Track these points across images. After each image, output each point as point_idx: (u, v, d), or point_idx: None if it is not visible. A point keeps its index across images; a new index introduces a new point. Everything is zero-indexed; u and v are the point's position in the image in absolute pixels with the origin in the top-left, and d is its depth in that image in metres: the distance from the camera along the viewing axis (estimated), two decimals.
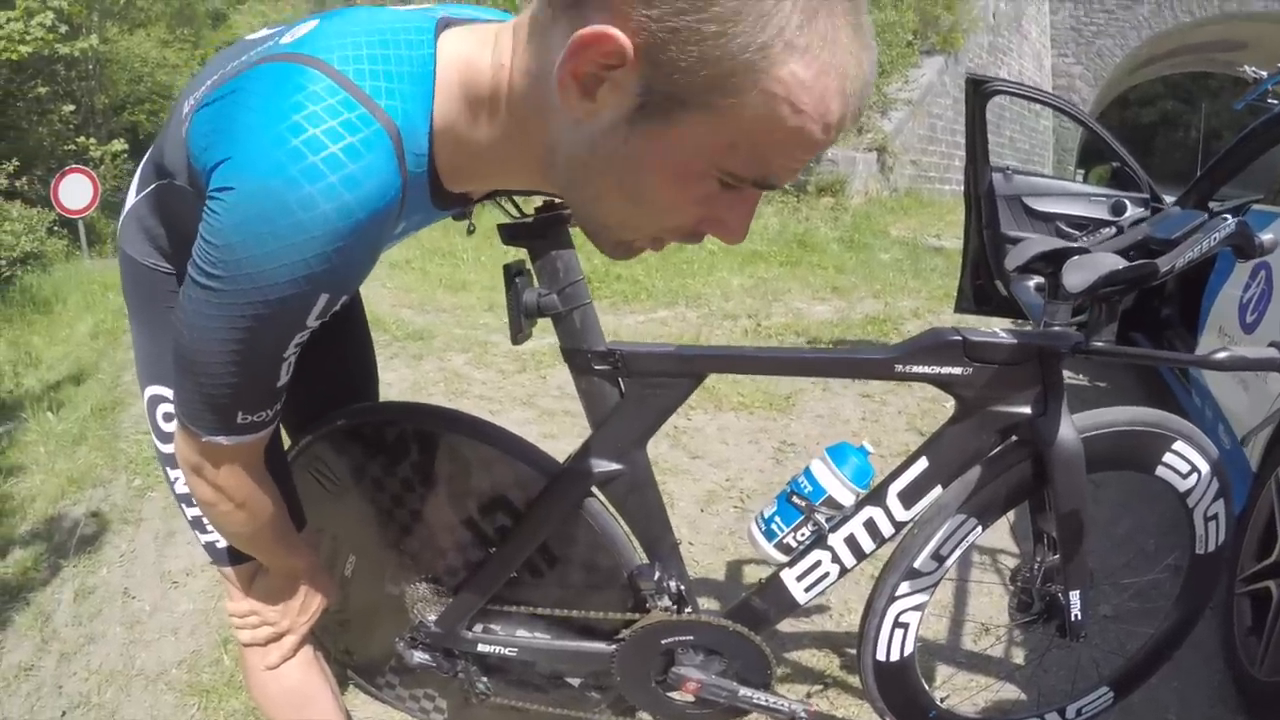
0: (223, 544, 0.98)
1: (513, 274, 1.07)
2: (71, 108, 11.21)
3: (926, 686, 1.37)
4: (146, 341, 0.93)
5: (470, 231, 0.97)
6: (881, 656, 1.29)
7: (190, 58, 16.98)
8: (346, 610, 1.34)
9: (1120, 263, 1.08)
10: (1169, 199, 3.71)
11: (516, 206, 1.04)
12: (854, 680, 1.70)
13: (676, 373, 1.12)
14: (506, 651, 1.25)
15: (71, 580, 2.16)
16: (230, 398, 0.72)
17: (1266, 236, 1.09)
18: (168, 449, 0.93)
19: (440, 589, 1.26)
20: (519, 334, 1.08)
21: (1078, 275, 1.08)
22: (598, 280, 5.65)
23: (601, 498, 1.18)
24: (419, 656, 1.26)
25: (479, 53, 0.67)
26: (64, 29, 10.08)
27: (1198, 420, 2.64)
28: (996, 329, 1.13)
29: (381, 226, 0.65)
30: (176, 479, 0.97)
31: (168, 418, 0.93)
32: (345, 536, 1.28)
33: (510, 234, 1.05)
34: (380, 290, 5.55)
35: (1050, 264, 1.15)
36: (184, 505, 1.00)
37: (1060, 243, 1.18)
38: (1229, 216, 1.12)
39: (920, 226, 8.14)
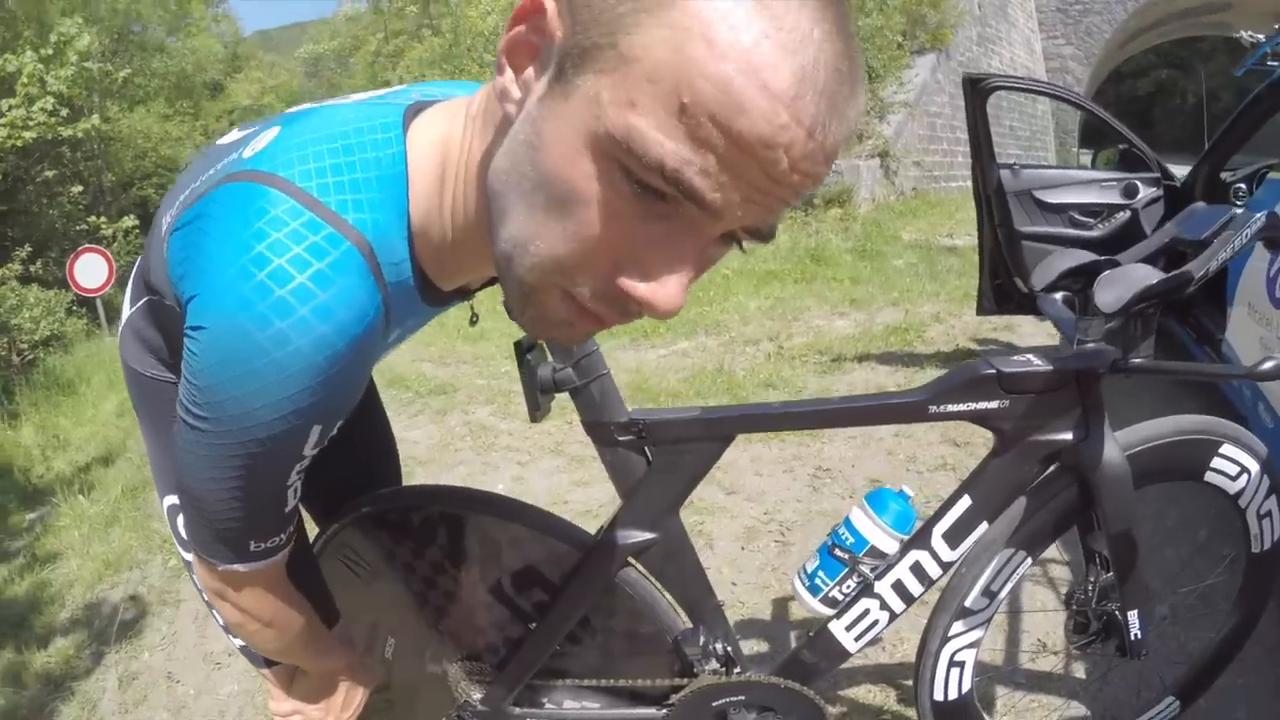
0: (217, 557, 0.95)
1: (524, 350, 1.05)
2: (80, 188, 11.45)
3: (986, 718, 1.33)
4: (158, 452, 0.90)
5: (473, 322, 0.92)
6: (940, 697, 1.27)
7: (192, 129, 17.37)
8: (391, 691, 1.32)
9: (1153, 275, 1.05)
10: (1179, 172, 3.66)
11: None
12: (912, 715, 1.65)
13: (703, 437, 1.11)
14: None
15: (114, 667, 2.15)
16: (239, 530, 0.69)
17: None
18: (190, 556, 0.89)
19: (483, 667, 1.25)
20: (536, 411, 1.07)
21: (1111, 293, 1.05)
22: None
23: (639, 566, 1.16)
24: None
25: (450, 129, 0.61)
26: (65, 112, 10.30)
27: (1236, 399, 2.56)
28: (1030, 356, 1.10)
29: (365, 349, 0.60)
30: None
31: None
32: (382, 619, 1.26)
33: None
34: (400, 346, 5.56)
35: (1079, 279, 1.13)
36: (213, 611, 0.97)
37: (1089, 256, 1.15)
38: (1259, 212, 1.08)
39: (931, 228, 8.07)
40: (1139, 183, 3.53)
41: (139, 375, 0.87)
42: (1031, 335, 4.40)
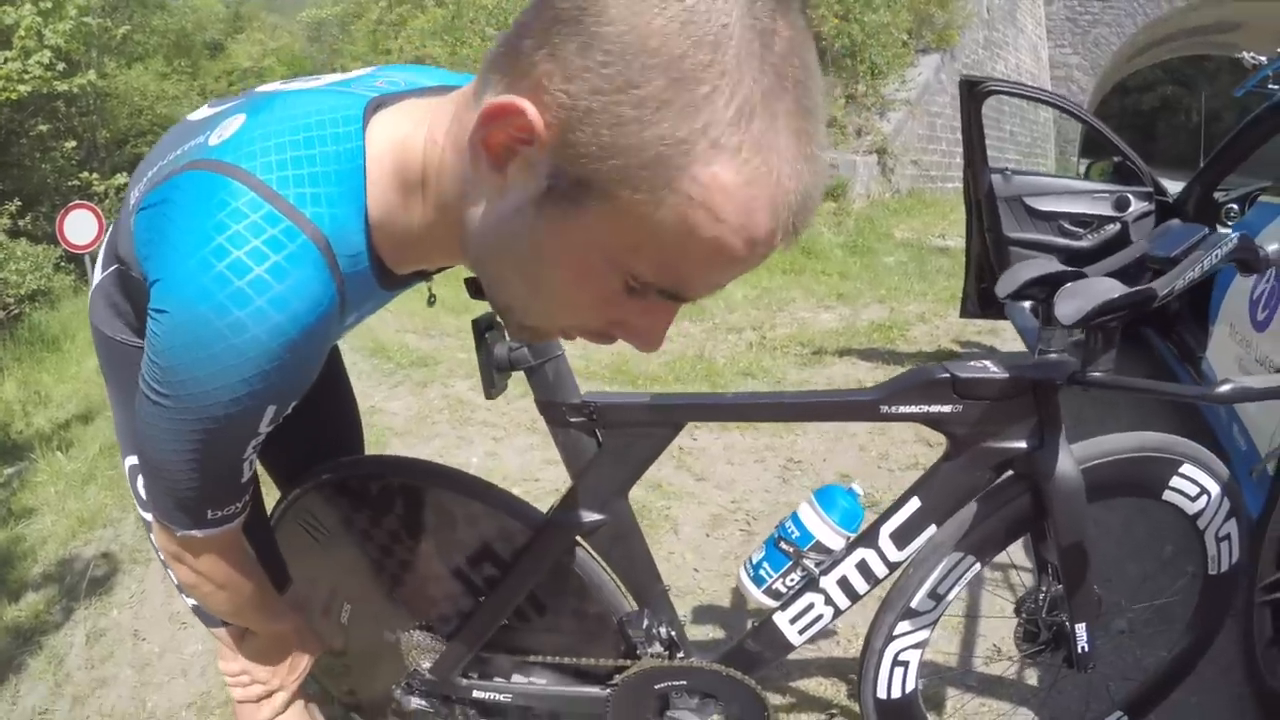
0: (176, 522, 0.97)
1: (482, 328, 1.07)
2: (74, 144, 11.30)
3: (931, 718, 1.36)
4: (122, 412, 0.92)
5: (430, 303, 0.96)
6: (883, 695, 1.28)
7: (189, 88, 17.16)
8: (347, 654, 1.35)
9: (1116, 289, 1.04)
10: (1173, 188, 3.69)
11: None
12: (859, 710, 1.68)
13: (652, 423, 1.12)
14: (501, 697, 1.26)
15: (83, 623, 2.17)
16: (196, 498, 0.73)
17: (1272, 248, 1.07)
18: (150, 519, 0.92)
19: (434, 636, 1.27)
20: (491, 389, 1.08)
21: (1071, 304, 1.04)
22: None
23: (587, 547, 1.18)
24: (415, 702, 1.28)
25: (412, 133, 0.64)
26: (61, 66, 10.17)
27: (1211, 417, 2.59)
28: (987, 362, 1.10)
29: (319, 336, 0.64)
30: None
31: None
32: (339, 584, 1.29)
33: (477, 289, 1.02)
34: (384, 315, 5.56)
35: (1045, 289, 1.11)
36: (169, 570, 0.98)
37: (1055, 266, 1.14)
38: (1232, 231, 1.10)
39: (924, 227, 8.10)
40: (1131, 196, 3.55)
41: (107, 339, 0.89)
42: (1015, 340, 4.43)
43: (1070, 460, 1.10)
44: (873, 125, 9.23)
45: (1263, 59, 3.59)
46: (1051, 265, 1.14)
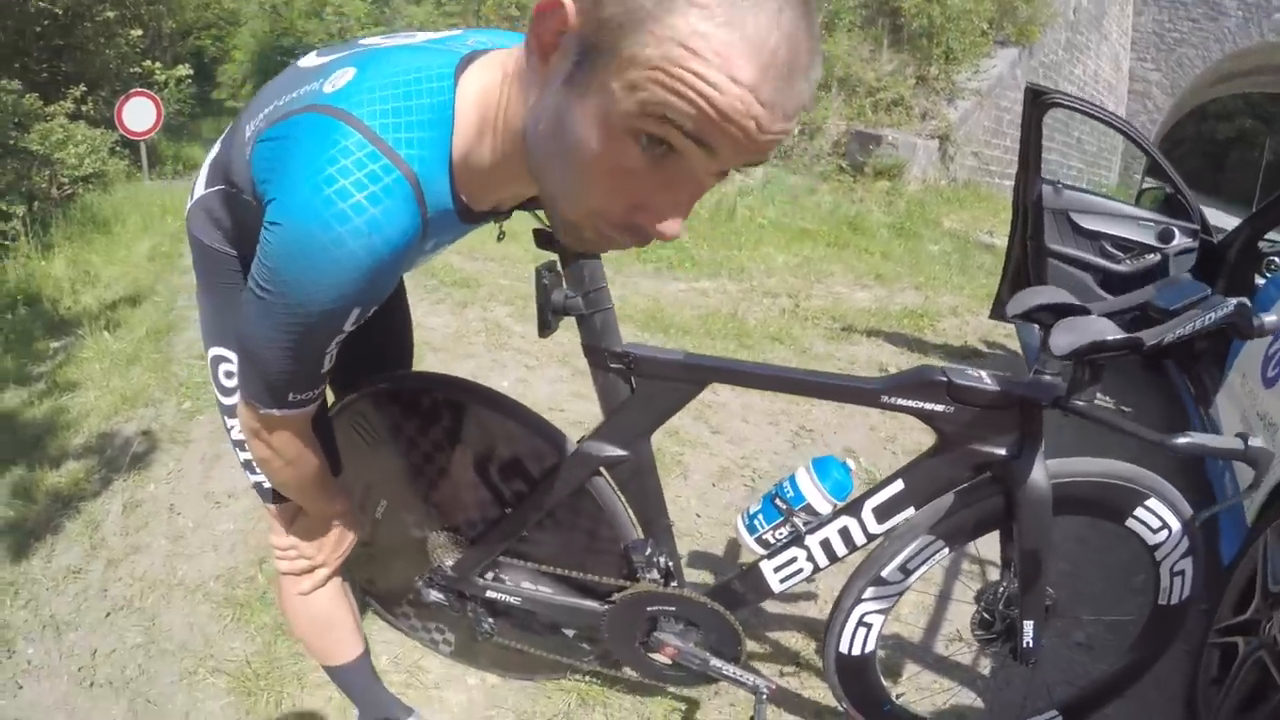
0: (269, 485, 1.10)
1: (542, 274, 1.19)
2: (139, 32, 11.34)
3: (885, 683, 1.48)
4: (211, 310, 1.06)
5: (500, 238, 1.06)
6: (844, 650, 1.40)
7: None
8: (374, 546, 1.49)
9: (1109, 331, 1.12)
10: (1231, 223, 3.65)
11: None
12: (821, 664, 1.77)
13: (681, 378, 1.24)
14: (511, 599, 1.41)
15: (120, 493, 2.28)
16: (283, 382, 0.85)
17: (1269, 318, 1.12)
18: (228, 401, 1.08)
19: (458, 539, 1.41)
20: (545, 329, 1.21)
21: (1065, 337, 1.13)
22: (645, 248, 5.67)
23: (607, 477, 1.30)
24: (435, 595, 1.44)
25: (490, 81, 0.74)
26: None
27: (1210, 460, 2.61)
28: (983, 373, 1.20)
29: (402, 257, 0.75)
30: (233, 427, 1.10)
31: (229, 375, 1.08)
32: (379, 483, 1.42)
33: (544, 239, 1.16)
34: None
35: (1050, 315, 1.19)
36: (238, 450, 1.13)
37: (1065, 297, 1.21)
38: (1231, 298, 1.15)
39: (974, 221, 8.00)
40: (1176, 230, 3.54)
41: (204, 246, 1.02)
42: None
43: (1043, 473, 1.21)
44: (939, 110, 9.08)
45: None
46: (1062, 296, 1.22)
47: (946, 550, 1.33)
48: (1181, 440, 1.11)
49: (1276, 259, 3.54)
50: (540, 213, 1.07)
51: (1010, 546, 1.30)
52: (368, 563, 1.57)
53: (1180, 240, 3.54)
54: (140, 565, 1.97)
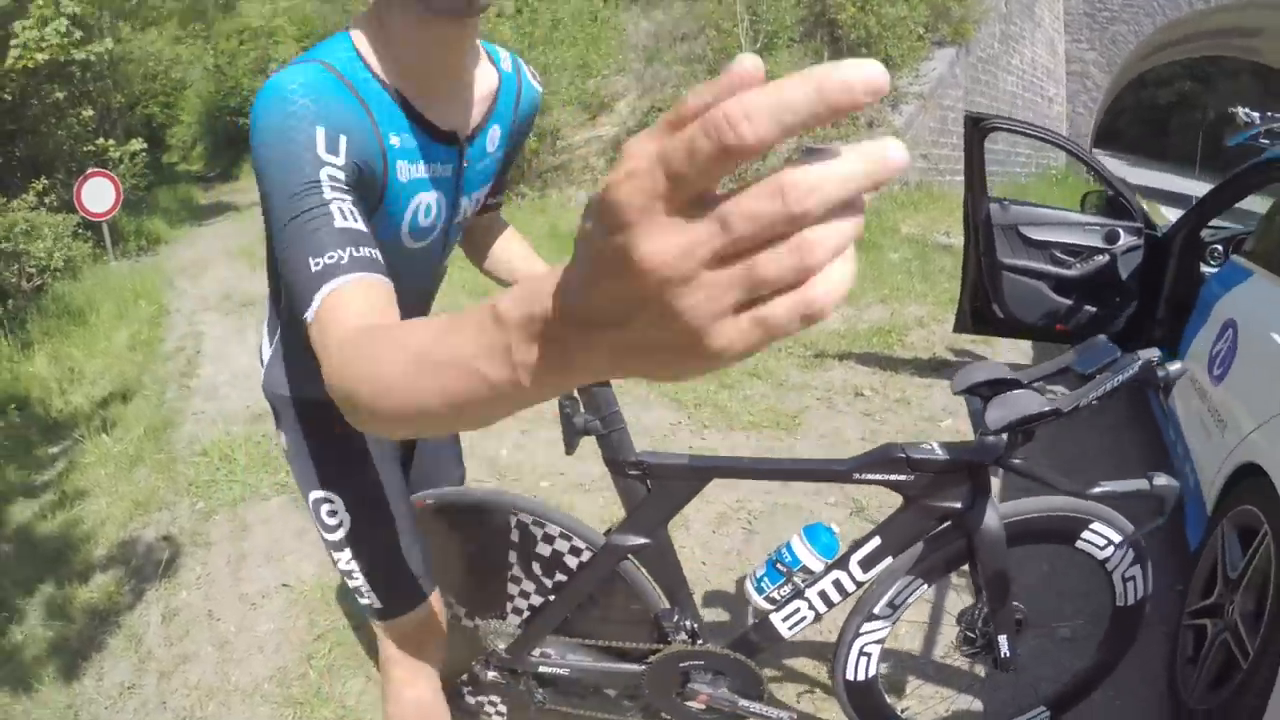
0: (376, 607, 1.28)
1: (563, 403, 1.39)
2: (90, 112, 11.33)
3: (890, 699, 1.72)
4: (306, 458, 1.24)
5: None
6: (850, 677, 1.64)
7: (203, 52, 17.16)
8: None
9: (1034, 405, 1.36)
10: (1172, 215, 3.87)
11: None
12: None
13: (688, 478, 1.49)
14: (560, 671, 1.64)
15: (156, 603, 2.38)
16: (304, 258, 0.79)
17: (1174, 366, 1.34)
18: (332, 538, 1.25)
19: (509, 625, 1.63)
20: (570, 448, 1.43)
21: (997, 413, 1.38)
22: None
23: (634, 561, 1.52)
24: (491, 674, 1.68)
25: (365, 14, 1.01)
26: (79, 34, 10.20)
27: (1173, 452, 2.80)
28: (934, 445, 1.43)
29: (323, 90, 0.89)
30: (339, 560, 1.27)
31: (331, 514, 1.25)
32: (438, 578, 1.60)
33: None
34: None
35: (988, 388, 1.43)
36: (348, 579, 1.29)
37: (1001, 373, 1.44)
38: (1139, 357, 1.36)
39: (930, 222, 8.23)
40: (1121, 230, 3.76)
41: (289, 399, 1.22)
42: (1008, 350, 4.63)
43: (995, 516, 1.46)
44: (884, 118, 9.33)
45: (1255, 116, 3.74)
46: (998, 372, 1.46)
47: (925, 586, 1.58)
48: (1095, 490, 1.38)
49: (1219, 247, 3.76)
50: None
51: (978, 576, 1.53)
52: None
53: (1126, 239, 3.76)
54: (192, 674, 2.08)
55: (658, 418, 3.67)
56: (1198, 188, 18.91)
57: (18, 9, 9.59)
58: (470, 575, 1.62)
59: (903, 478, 1.43)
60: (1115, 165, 25.43)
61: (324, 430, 1.22)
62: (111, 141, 11.68)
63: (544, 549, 1.55)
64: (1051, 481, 1.43)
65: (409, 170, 1.00)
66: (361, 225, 0.83)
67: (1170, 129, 35.57)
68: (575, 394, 1.42)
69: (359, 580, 1.26)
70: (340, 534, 1.24)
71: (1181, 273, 3.65)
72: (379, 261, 0.81)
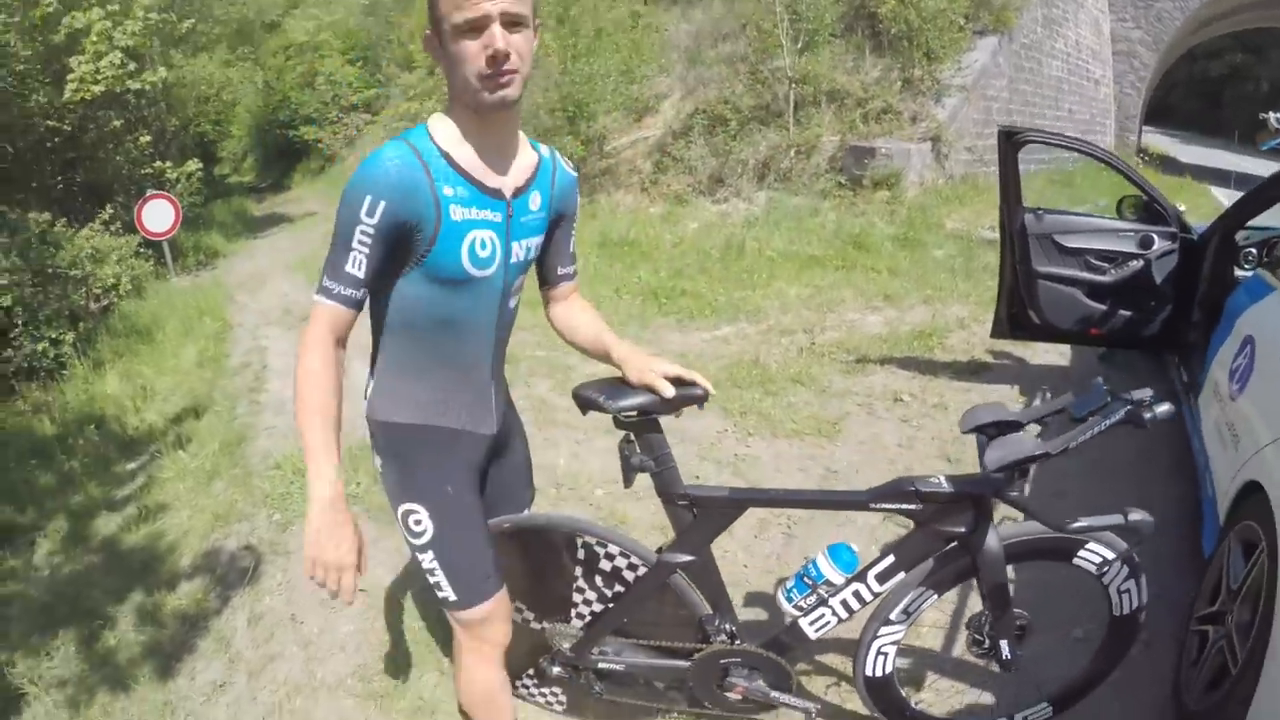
0: (452, 597, 1.56)
1: (623, 447, 1.67)
2: (149, 138, 11.77)
3: (906, 693, 1.95)
4: (397, 476, 1.55)
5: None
6: (869, 673, 1.84)
7: (252, 74, 17.71)
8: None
9: (1029, 448, 1.55)
10: (1222, 196, 3.82)
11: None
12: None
13: (728, 507, 1.73)
14: (616, 666, 1.88)
15: (241, 609, 2.57)
16: (327, 270, 1.36)
17: (1162, 409, 1.46)
18: (418, 542, 1.54)
19: (573, 628, 1.86)
20: (628, 483, 1.66)
21: (996, 454, 1.56)
22: (665, 297, 6.02)
23: (682, 574, 1.73)
24: (557, 670, 1.92)
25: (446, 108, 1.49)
26: (132, 66, 10.61)
27: (1198, 461, 2.82)
28: (941, 478, 1.62)
29: (396, 168, 1.32)
30: (423, 560, 1.55)
31: (417, 523, 1.53)
32: (510, 591, 1.80)
33: (622, 423, 1.63)
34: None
35: (992, 428, 1.61)
36: (429, 577, 1.57)
37: (1005, 415, 1.61)
38: (1129, 401, 1.49)
39: (975, 216, 8.14)
40: (1155, 235, 3.78)
41: (387, 425, 1.52)
42: (1045, 353, 4.62)
43: (995, 539, 1.65)
44: (928, 111, 9.20)
45: None
46: (1001, 414, 1.62)
47: (935, 596, 1.78)
48: (1075, 525, 1.57)
49: (1253, 250, 3.72)
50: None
51: (981, 589, 1.72)
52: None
53: (1160, 244, 3.77)
54: (280, 672, 2.25)
55: (705, 425, 3.78)
56: (1252, 165, 18.28)
57: (71, 43, 10.00)
58: (540, 586, 1.85)
59: (912, 506, 1.64)
60: (1167, 143, 24.85)
61: (411, 452, 1.54)
62: (169, 164, 12.13)
63: (605, 565, 1.78)
64: (1038, 516, 1.63)
65: (462, 213, 1.39)
66: (361, 274, 1.35)
67: (1224, 102, 34.45)
68: (633, 438, 1.65)
69: (439, 577, 1.54)
70: (425, 539, 1.53)
71: (1215, 277, 3.65)
72: (356, 300, 1.37)
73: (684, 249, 7.53)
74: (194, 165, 12.30)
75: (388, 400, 1.53)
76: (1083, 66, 15.04)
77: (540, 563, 1.81)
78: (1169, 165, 17.58)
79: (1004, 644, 1.75)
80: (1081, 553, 1.70)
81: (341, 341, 1.40)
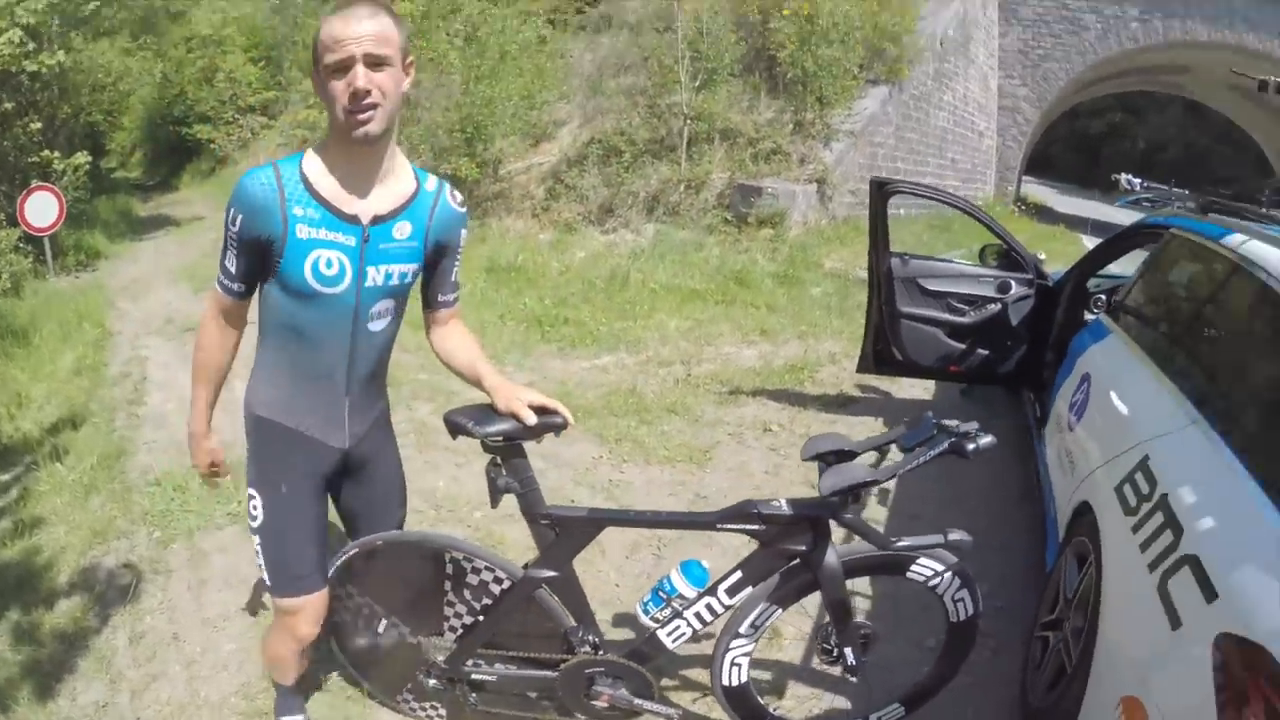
0: (268, 582, 1.81)
1: (490, 470, 1.81)
2: (39, 124, 11.24)
3: (761, 701, 2.12)
4: (250, 460, 1.78)
5: None
6: (726, 683, 2.00)
7: (154, 65, 17.03)
8: (378, 653, 2.07)
9: (860, 476, 1.72)
10: (1054, 273, 4.34)
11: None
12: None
13: (587, 525, 1.89)
14: (490, 678, 2.01)
15: (122, 628, 2.62)
16: (219, 267, 1.65)
17: (984, 440, 1.69)
18: (252, 525, 1.78)
19: (446, 640, 1.99)
20: (495, 503, 1.82)
21: (830, 480, 1.73)
22: (548, 324, 6.17)
23: (547, 588, 1.89)
24: (433, 682, 2.02)
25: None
26: (31, 45, 10.16)
27: (1045, 485, 3.20)
28: (782, 501, 1.81)
29: (252, 186, 1.56)
30: (254, 542, 1.80)
31: (255, 507, 1.77)
32: (382, 607, 2.00)
33: (489, 447, 1.78)
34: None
35: (830, 456, 1.81)
36: (256, 558, 1.82)
37: (844, 444, 1.81)
38: (953, 433, 1.71)
39: (854, 256, 8.60)
40: (1013, 281, 4.22)
41: (252, 417, 1.77)
42: (909, 387, 5.07)
43: (834, 556, 1.84)
44: (816, 154, 9.71)
45: (1136, 183, 4.21)
46: (840, 443, 1.82)
47: (780, 610, 1.95)
48: (900, 544, 1.79)
49: (1103, 296, 4.23)
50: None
51: (825, 602, 1.91)
52: (374, 665, 2.11)
53: (1017, 289, 4.22)
54: (163, 692, 2.32)
55: (580, 452, 3.99)
56: (1124, 216, 19.76)
57: None
58: (414, 601, 1.97)
59: (755, 527, 1.82)
60: (1046, 193, 26.55)
61: (262, 444, 1.76)
62: (56, 154, 11.58)
63: (473, 579, 1.91)
64: (867, 536, 1.84)
65: (309, 232, 1.58)
66: (234, 270, 1.63)
67: (1102, 157, 37.04)
68: (500, 461, 1.81)
69: (261, 561, 1.78)
70: (256, 524, 1.77)
71: (1068, 320, 4.08)
72: (235, 291, 1.66)
73: (570, 277, 7.72)
74: (83, 158, 11.75)
75: (253, 392, 1.76)
76: (968, 119, 16.06)
77: (414, 578, 1.94)
78: (1045, 214, 18.94)
79: (849, 651, 1.94)
80: (914, 567, 1.90)
81: (234, 321, 1.73)
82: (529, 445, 1.82)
